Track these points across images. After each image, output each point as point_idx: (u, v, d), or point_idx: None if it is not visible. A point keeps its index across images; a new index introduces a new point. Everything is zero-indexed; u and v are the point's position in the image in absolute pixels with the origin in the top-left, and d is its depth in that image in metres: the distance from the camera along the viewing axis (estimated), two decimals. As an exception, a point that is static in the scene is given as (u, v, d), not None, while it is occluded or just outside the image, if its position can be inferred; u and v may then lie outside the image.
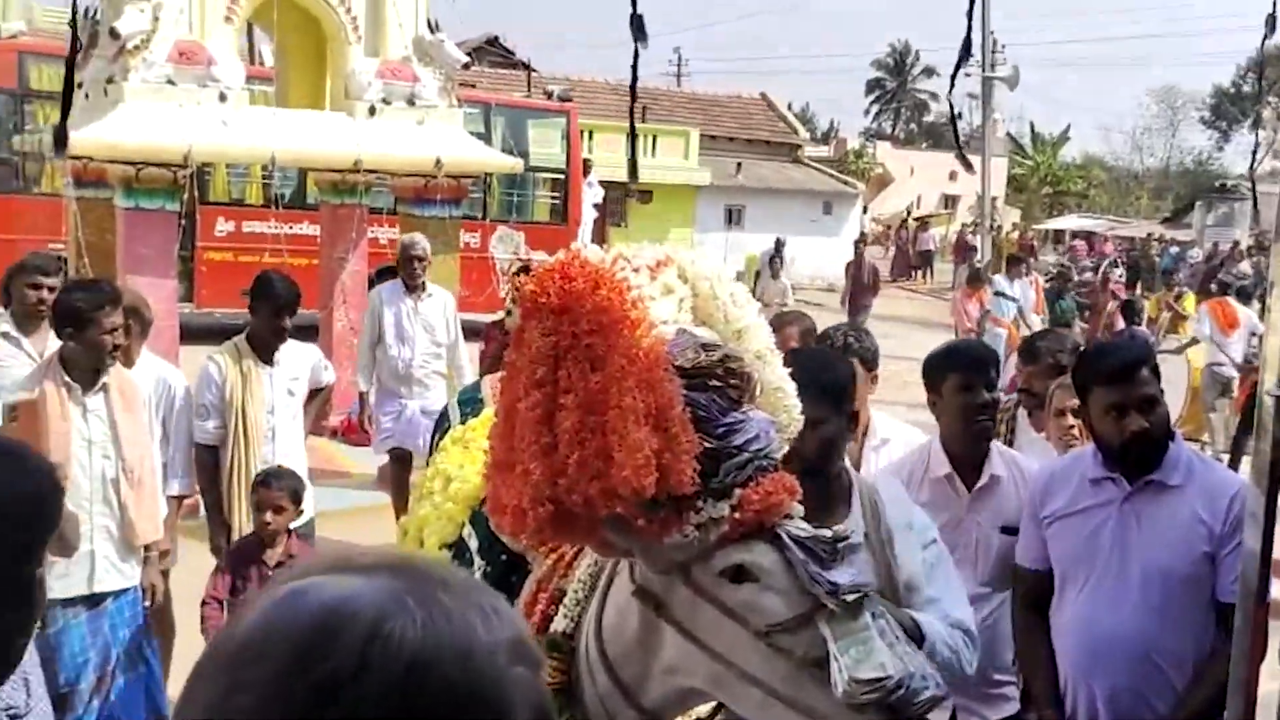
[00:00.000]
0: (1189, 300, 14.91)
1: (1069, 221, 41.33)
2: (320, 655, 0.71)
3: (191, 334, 8.46)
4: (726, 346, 2.03)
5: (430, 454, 3.23)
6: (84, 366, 3.99)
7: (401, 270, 6.96)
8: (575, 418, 1.88)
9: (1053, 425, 3.81)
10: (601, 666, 2.08)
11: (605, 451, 1.86)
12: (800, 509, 1.96)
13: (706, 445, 1.89)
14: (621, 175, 23.89)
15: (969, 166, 7.60)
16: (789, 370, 2.27)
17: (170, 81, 7.27)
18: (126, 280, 7.11)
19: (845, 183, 31.99)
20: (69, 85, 4.52)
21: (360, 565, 0.79)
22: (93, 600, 4.05)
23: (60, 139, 5.56)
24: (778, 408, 2.10)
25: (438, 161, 8.12)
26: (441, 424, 3.60)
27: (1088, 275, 20.05)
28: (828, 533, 1.91)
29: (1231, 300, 11.27)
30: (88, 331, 3.91)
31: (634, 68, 3.32)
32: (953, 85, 3.79)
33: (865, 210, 36.12)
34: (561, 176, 17.24)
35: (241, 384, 4.76)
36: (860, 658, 1.83)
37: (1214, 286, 14.86)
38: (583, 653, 2.12)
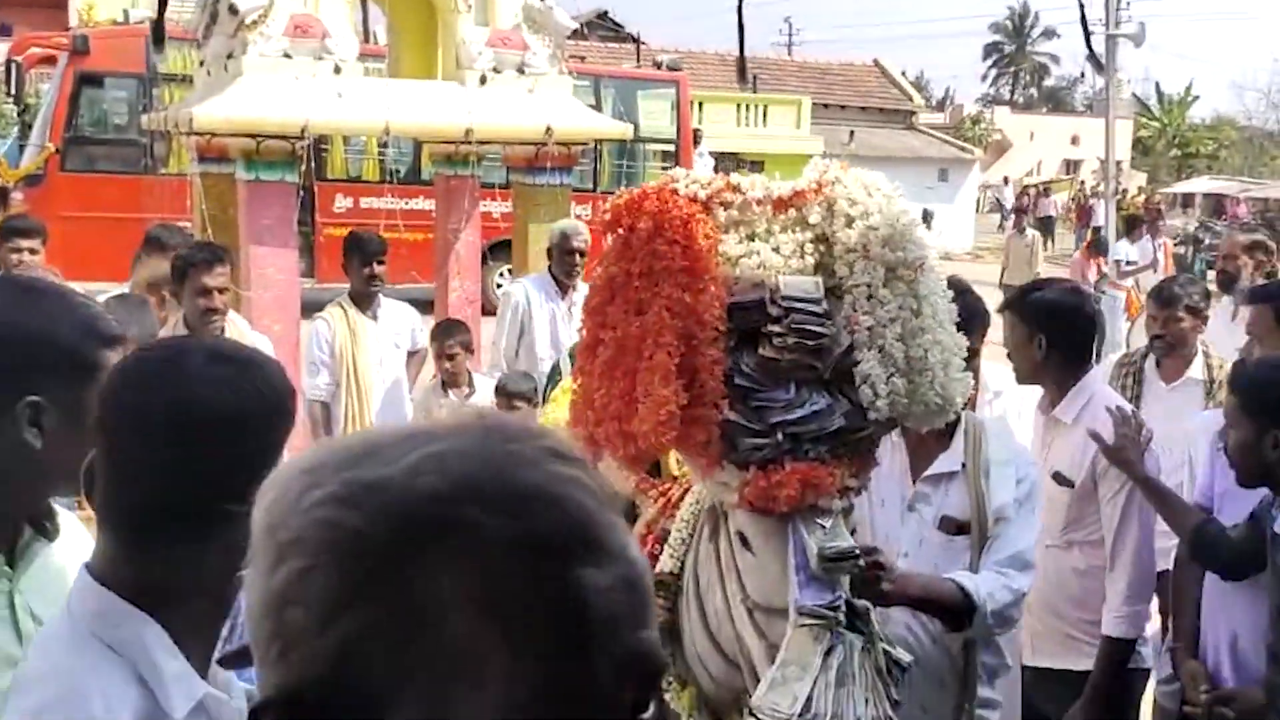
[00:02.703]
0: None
1: (1199, 184, 39.60)
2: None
3: (314, 308, 8.63)
4: (813, 308, 1.88)
5: (542, 405, 3.25)
6: (192, 326, 4.13)
7: (556, 265, 5.95)
8: (609, 356, 1.87)
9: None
10: (694, 602, 2.07)
11: (629, 397, 1.83)
12: (840, 504, 1.87)
13: (730, 418, 1.84)
14: (731, 146, 23.75)
15: (1099, 66, 7.27)
16: None
17: (287, 55, 7.39)
18: (249, 251, 7.29)
19: (962, 149, 31.24)
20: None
21: None
22: None
23: (158, 36, 6.12)
24: (919, 389, 1.94)
25: (548, 129, 8.12)
26: (554, 376, 3.64)
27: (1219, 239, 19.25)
28: (834, 545, 1.82)
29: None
30: (183, 286, 4.10)
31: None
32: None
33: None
34: (672, 147, 17.17)
35: (350, 338, 4.92)
36: (779, 681, 1.79)
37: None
38: (685, 590, 2.11)
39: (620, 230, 1.92)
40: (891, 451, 2.54)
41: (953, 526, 2.49)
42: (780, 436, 1.84)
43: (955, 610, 2.30)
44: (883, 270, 1.94)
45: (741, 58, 7.09)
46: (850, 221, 1.95)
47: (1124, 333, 11.01)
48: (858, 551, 1.87)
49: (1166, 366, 4.13)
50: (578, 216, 11.47)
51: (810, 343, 1.86)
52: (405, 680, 0.61)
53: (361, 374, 4.93)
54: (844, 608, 1.82)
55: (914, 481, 2.56)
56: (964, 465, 2.48)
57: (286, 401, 1.33)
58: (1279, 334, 2.80)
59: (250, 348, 1.51)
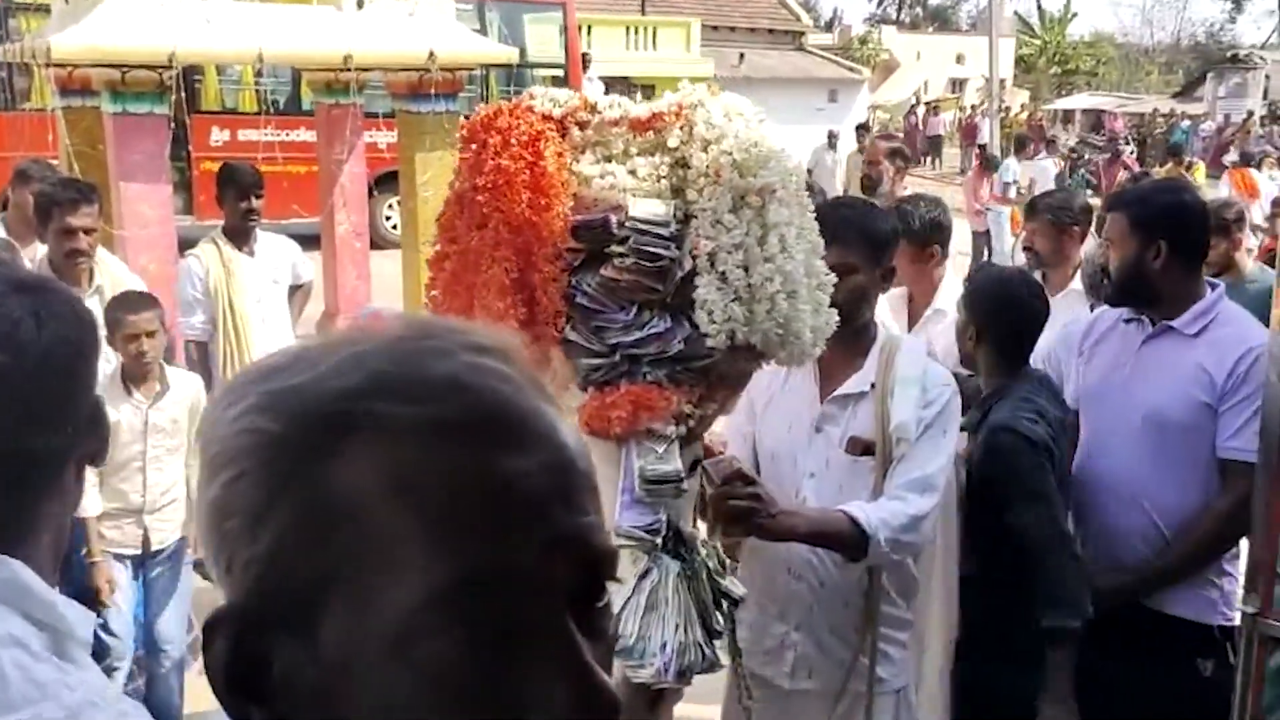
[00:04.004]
0: (1199, 171, 14.65)
1: (1079, 100, 40.56)
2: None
3: (193, 246, 8.37)
4: (658, 231, 1.87)
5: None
6: (56, 268, 3.95)
7: None
8: (452, 269, 1.89)
9: None
10: None
11: (469, 312, 1.83)
12: (675, 430, 1.86)
13: (570, 338, 1.84)
14: (621, 70, 23.48)
15: None
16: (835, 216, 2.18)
17: (150, -20, 7.05)
18: (120, 188, 6.99)
19: (851, 69, 31.39)
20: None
21: None
22: None
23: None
24: (757, 317, 1.90)
25: (431, 54, 7.90)
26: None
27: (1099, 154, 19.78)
28: (655, 468, 1.82)
29: (1251, 170, 11.18)
30: (47, 226, 3.91)
31: None
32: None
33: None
34: (560, 73, 16.86)
35: (225, 275, 4.72)
36: None
37: (1229, 161, 14.72)
38: None
39: (474, 146, 1.91)
40: (802, 376, 2.52)
41: (859, 447, 2.46)
42: (618, 358, 1.85)
43: (848, 542, 2.28)
44: (730, 196, 1.91)
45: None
46: (706, 145, 1.93)
47: (1010, 247, 11.28)
48: (681, 476, 1.86)
49: (1051, 279, 4.22)
50: (466, 145, 11.27)
51: (650, 264, 1.85)
52: (330, 579, 0.61)
53: (239, 312, 4.73)
54: (665, 532, 1.82)
55: (822, 403, 2.55)
56: (873, 385, 2.47)
57: (96, 327, 1.28)
58: (1131, 241, 2.83)
59: (43, 275, 1.41)
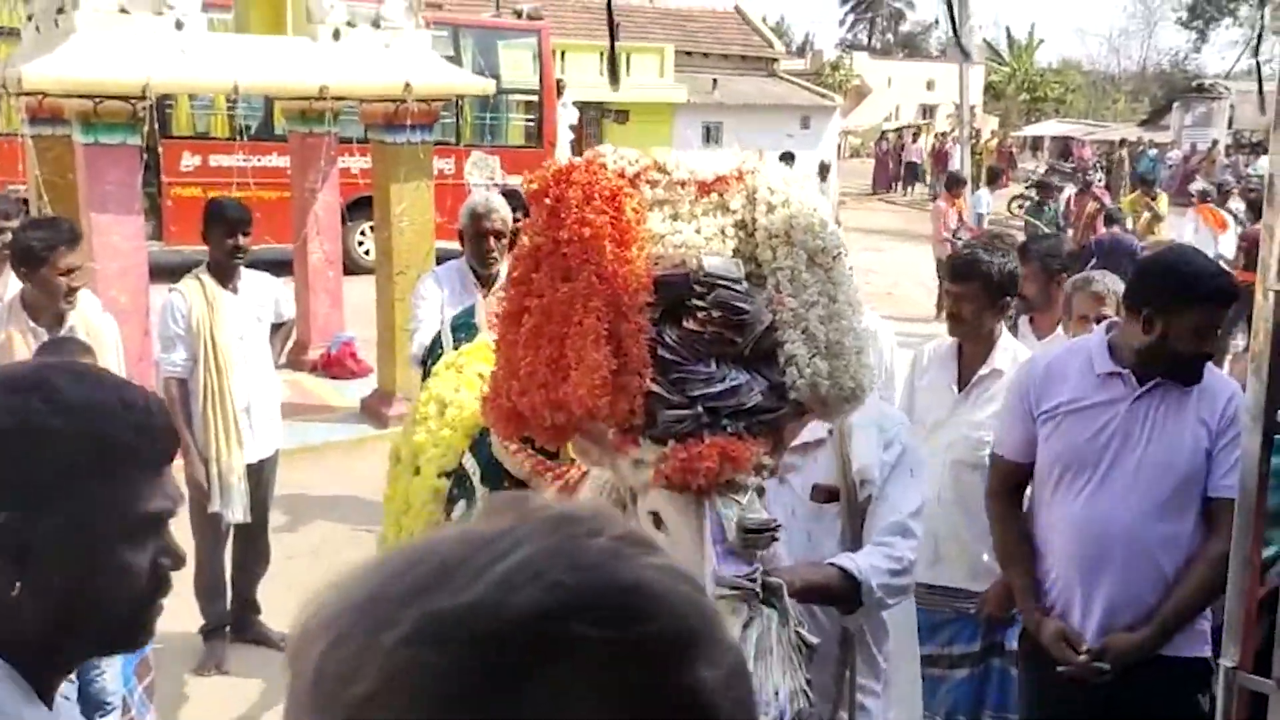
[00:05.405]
0: (1162, 202, 14.81)
1: (1048, 127, 41.03)
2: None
3: (162, 273, 8.28)
4: (735, 286, 1.91)
5: (424, 380, 3.16)
6: (43, 307, 3.88)
7: (470, 252, 4.75)
8: (534, 323, 1.86)
9: (1077, 328, 3.83)
10: None
11: (558, 364, 1.83)
12: (755, 480, 1.88)
13: (653, 389, 1.85)
14: (596, 95, 23.53)
15: (967, 55, 7.61)
16: None
17: (123, 10, 6.99)
18: (90, 219, 6.93)
19: (823, 95, 31.60)
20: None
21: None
22: None
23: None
24: (837, 373, 1.93)
25: (407, 85, 7.89)
26: (435, 350, 3.51)
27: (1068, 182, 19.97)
28: (754, 517, 1.82)
29: (1214, 206, 11.36)
30: (41, 271, 3.83)
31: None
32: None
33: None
34: (535, 98, 16.89)
35: (208, 311, 4.66)
36: None
37: (1194, 190, 14.89)
38: None
39: (547, 200, 1.90)
40: None
41: (823, 494, 2.47)
42: (700, 409, 1.85)
43: (842, 594, 2.29)
44: (805, 255, 1.97)
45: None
46: (772, 209, 1.99)
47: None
48: (777, 524, 1.88)
49: (1039, 321, 4.27)
50: (439, 171, 11.20)
51: (734, 317, 1.89)
52: None
53: (221, 350, 4.64)
54: (760, 582, 1.82)
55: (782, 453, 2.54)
56: (830, 431, 2.47)
57: (88, 438, 1.15)
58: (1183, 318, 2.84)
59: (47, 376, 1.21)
